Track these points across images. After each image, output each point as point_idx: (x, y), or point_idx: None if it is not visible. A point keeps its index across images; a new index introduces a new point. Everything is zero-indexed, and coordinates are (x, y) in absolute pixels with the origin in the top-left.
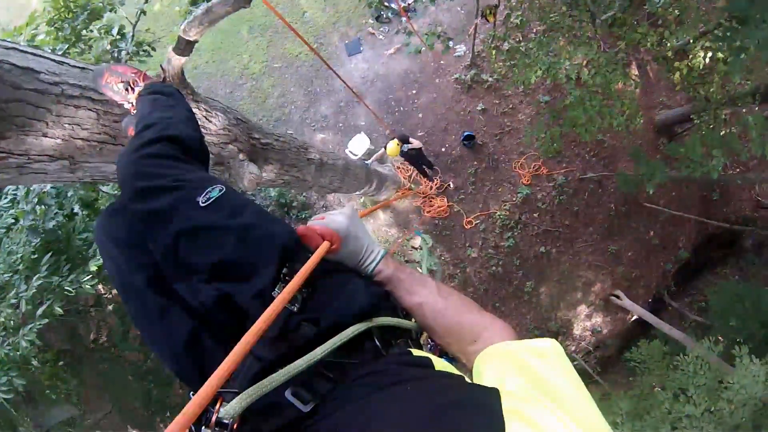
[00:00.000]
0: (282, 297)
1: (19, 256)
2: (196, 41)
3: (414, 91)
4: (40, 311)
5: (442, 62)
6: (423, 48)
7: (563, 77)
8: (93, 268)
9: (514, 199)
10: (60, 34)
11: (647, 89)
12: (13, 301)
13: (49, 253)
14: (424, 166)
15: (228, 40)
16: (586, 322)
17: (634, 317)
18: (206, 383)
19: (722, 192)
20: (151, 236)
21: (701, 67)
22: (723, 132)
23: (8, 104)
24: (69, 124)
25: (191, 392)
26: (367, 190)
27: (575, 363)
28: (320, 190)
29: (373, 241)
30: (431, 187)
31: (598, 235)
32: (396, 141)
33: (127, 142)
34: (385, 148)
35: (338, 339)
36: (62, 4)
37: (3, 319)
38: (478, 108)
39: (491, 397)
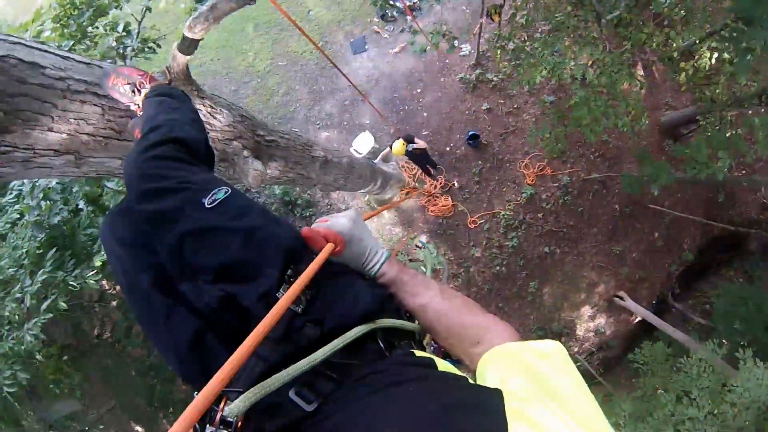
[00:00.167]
0: (286, 298)
1: (24, 251)
2: (200, 40)
3: (419, 90)
4: (44, 306)
5: (447, 61)
6: (428, 47)
7: (568, 77)
8: (97, 264)
9: (519, 199)
10: (65, 30)
11: (653, 90)
12: (18, 295)
13: (54, 249)
14: (428, 165)
15: (233, 38)
16: (590, 323)
17: (638, 319)
18: (211, 381)
19: (728, 194)
20: (157, 237)
21: (707, 67)
22: (729, 133)
23: (14, 98)
24: (74, 119)
25: (195, 393)
26: (371, 188)
27: (578, 364)
28: (325, 187)
29: (377, 244)
30: (435, 186)
31: (603, 236)
32: (401, 140)
33: (133, 143)
34: (391, 147)
35: (342, 340)
36: (68, 0)
37: (8, 314)
38: (483, 107)
39: (494, 397)
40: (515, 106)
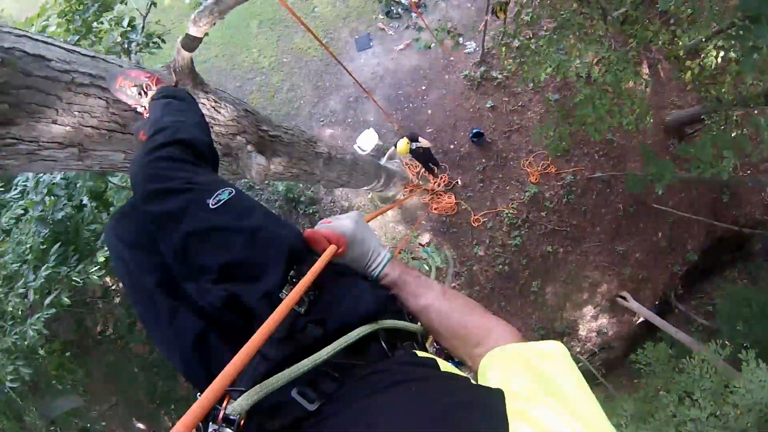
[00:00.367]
0: (290, 299)
1: (28, 246)
2: (202, 38)
3: (423, 88)
4: (47, 301)
5: (451, 59)
6: (433, 44)
7: (573, 75)
8: (101, 259)
9: (522, 197)
10: (71, 26)
11: (658, 89)
12: (22, 290)
13: (58, 244)
14: (430, 164)
15: (238, 35)
16: (592, 323)
17: (641, 319)
18: (215, 380)
19: (732, 194)
20: (162, 237)
21: (713, 66)
22: (734, 133)
23: (19, 91)
24: (79, 111)
25: (198, 393)
26: (375, 185)
27: (580, 364)
28: (328, 184)
29: (380, 245)
30: (439, 184)
31: (606, 236)
32: (406, 139)
33: (138, 146)
34: (395, 146)
35: (344, 340)
36: None
37: (11, 308)
38: (488, 105)
39: (495, 397)
40: (520, 104)
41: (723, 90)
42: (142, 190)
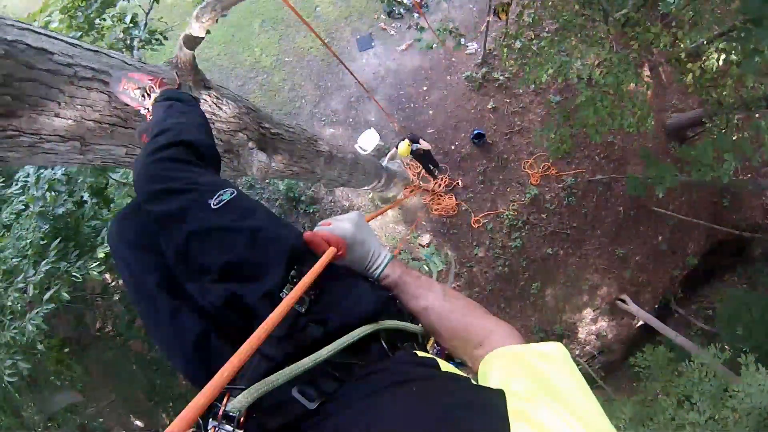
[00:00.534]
0: (290, 297)
1: (28, 241)
2: (203, 37)
3: (425, 88)
4: (47, 296)
5: (453, 59)
6: (435, 44)
7: (574, 77)
8: (101, 255)
9: (523, 199)
10: (73, 21)
11: (659, 91)
12: (21, 285)
13: (58, 239)
14: (430, 165)
15: (240, 34)
16: (592, 326)
17: (640, 323)
18: (215, 377)
19: (732, 198)
20: (164, 237)
21: (714, 69)
22: (735, 136)
23: (21, 83)
24: (81, 105)
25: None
26: (375, 185)
27: (579, 367)
28: (329, 183)
29: (380, 246)
30: (440, 185)
31: (606, 239)
32: (407, 141)
33: (140, 148)
34: (397, 147)
35: (345, 340)
36: None
37: (10, 303)
38: (489, 106)
39: (496, 398)
40: (521, 105)
41: (724, 93)
42: (145, 191)
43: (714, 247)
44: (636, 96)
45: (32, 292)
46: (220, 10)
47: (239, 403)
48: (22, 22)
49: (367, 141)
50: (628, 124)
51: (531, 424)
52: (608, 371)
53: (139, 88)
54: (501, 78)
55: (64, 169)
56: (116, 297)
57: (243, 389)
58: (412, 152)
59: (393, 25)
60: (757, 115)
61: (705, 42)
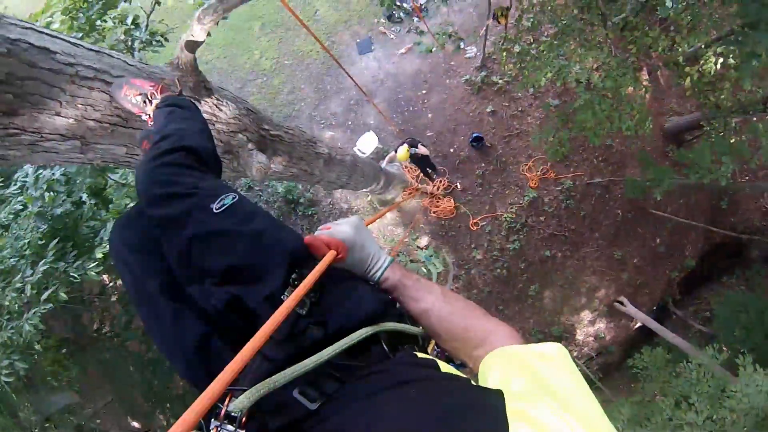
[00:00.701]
0: (291, 300)
1: (26, 241)
2: (203, 41)
3: (424, 92)
4: (44, 296)
5: (452, 63)
6: (434, 48)
7: (573, 80)
8: (99, 256)
9: (521, 202)
10: (74, 23)
11: (657, 95)
12: (19, 285)
13: (56, 240)
14: (428, 169)
15: (240, 36)
16: (590, 327)
17: (638, 324)
18: (217, 378)
19: (730, 201)
20: (166, 241)
21: (712, 73)
22: (733, 139)
23: (23, 82)
24: (82, 104)
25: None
26: (374, 187)
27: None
28: (328, 185)
29: (379, 249)
30: (438, 188)
31: (604, 241)
32: (406, 146)
33: (141, 155)
34: (396, 151)
35: (345, 342)
36: None
37: (8, 303)
38: (488, 110)
39: (495, 398)
40: (520, 109)
41: (722, 96)
42: (147, 195)
43: (712, 250)
44: (634, 99)
45: (30, 292)
46: (222, 12)
47: (241, 403)
48: (26, 21)
49: (366, 144)
50: (627, 128)
51: (530, 424)
52: (606, 372)
53: (140, 94)
54: (500, 82)
55: (63, 169)
56: (114, 298)
57: (245, 390)
58: (411, 156)
59: (393, 28)
60: (754, 119)
61: (703, 46)
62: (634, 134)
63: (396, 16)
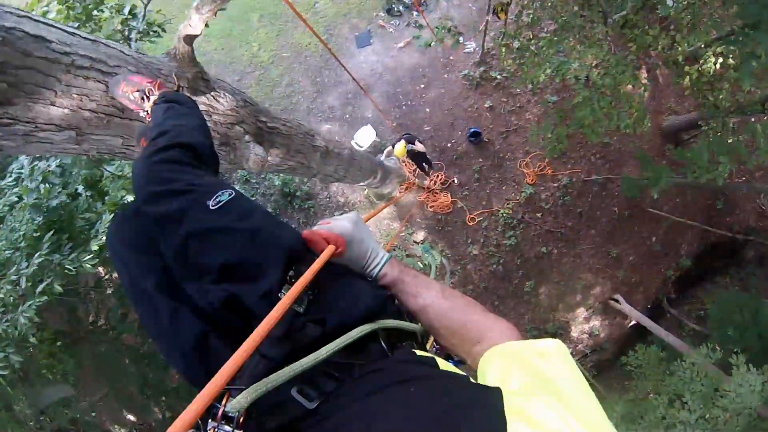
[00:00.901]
0: (288, 297)
1: (21, 233)
2: (199, 34)
3: (422, 86)
4: (39, 289)
5: (451, 58)
6: (433, 42)
7: (572, 77)
8: (94, 248)
9: (518, 198)
10: (71, 12)
11: (656, 94)
12: (14, 277)
13: (51, 232)
14: (424, 164)
15: (238, 28)
16: (584, 324)
17: (632, 322)
18: (214, 378)
19: (727, 201)
20: (163, 238)
21: (711, 73)
22: (730, 140)
23: (18, 71)
24: (77, 94)
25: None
26: (371, 181)
27: None
28: (325, 179)
29: (378, 245)
30: (435, 183)
31: (600, 238)
32: (403, 142)
33: (139, 152)
34: (393, 147)
35: (344, 339)
36: None
37: (2, 296)
38: (486, 105)
39: (494, 396)
40: (518, 104)
41: (720, 97)
42: (144, 192)
43: (707, 249)
44: (633, 97)
45: (25, 284)
46: (220, 2)
47: (239, 403)
48: (21, 10)
49: (364, 137)
50: (625, 125)
51: (528, 422)
52: (600, 370)
53: (138, 90)
54: (498, 77)
55: (58, 160)
56: (109, 290)
57: (242, 389)
58: (408, 152)
59: (392, 22)
60: (752, 119)
61: (703, 45)
62: (632, 132)
63: (395, 9)
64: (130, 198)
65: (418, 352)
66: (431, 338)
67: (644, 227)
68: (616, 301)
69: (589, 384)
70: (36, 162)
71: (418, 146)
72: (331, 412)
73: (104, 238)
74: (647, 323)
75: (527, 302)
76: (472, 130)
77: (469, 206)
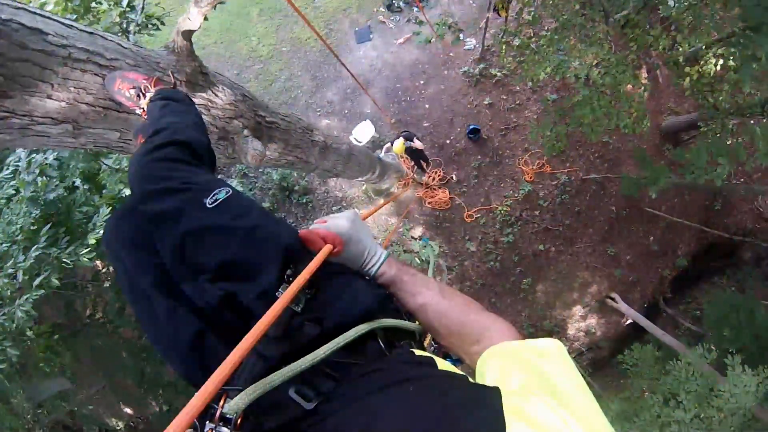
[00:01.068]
0: (285, 296)
1: (18, 226)
2: (197, 29)
3: (422, 82)
4: (36, 282)
5: (451, 54)
6: (433, 38)
7: (572, 76)
8: (91, 242)
9: (516, 195)
10: (69, 5)
11: (656, 94)
12: (11, 271)
13: (49, 225)
14: (421, 160)
15: (237, 22)
16: (581, 322)
17: (629, 321)
18: (210, 378)
19: (724, 202)
20: (160, 237)
21: (712, 74)
22: (729, 141)
23: (14, 63)
24: (74, 87)
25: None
26: (369, 177)
27: None
28: (323, 174)
29: (376, 244)
30: (434, 179)
31: (598, 237)
32: (402, 140)
33: (136, 148)
34: (392, 144)
35: (342, 339)
36: None
37: None
38: (485, 102)
39: (493, 396)
40: (517, 102)
41: (720, 98)
42: (140, 191)
43: (704, 250)
44: (633, 97)
45: (22, 278)
46: None
47: (236, 405)
48: (17, 2)
49: (363, 132)
50: (624, 125)
51: (527, 422)
52: (596, 368)
53: (134, 87)
54: (498, 74)
55: (55, 153)
56: (107, 284)
57: (240, 390)
58: (406, 149)
59: (392, 18)
60: (752, 121)
61: (704, 47)
62: (631, 132)
63: (396, 5)
64: (128, 192)
65: (417, 352)
66: (429, 337)
67: (642, 227)
68: (613, 299)
69: (586, 382)
70: (33, 155)
71: (417, 143)
72: (330, 412)
73: (101, 231)
74: (643, 322)
75: (524, 299)
76: (471, 126)
77: (467, 203)
